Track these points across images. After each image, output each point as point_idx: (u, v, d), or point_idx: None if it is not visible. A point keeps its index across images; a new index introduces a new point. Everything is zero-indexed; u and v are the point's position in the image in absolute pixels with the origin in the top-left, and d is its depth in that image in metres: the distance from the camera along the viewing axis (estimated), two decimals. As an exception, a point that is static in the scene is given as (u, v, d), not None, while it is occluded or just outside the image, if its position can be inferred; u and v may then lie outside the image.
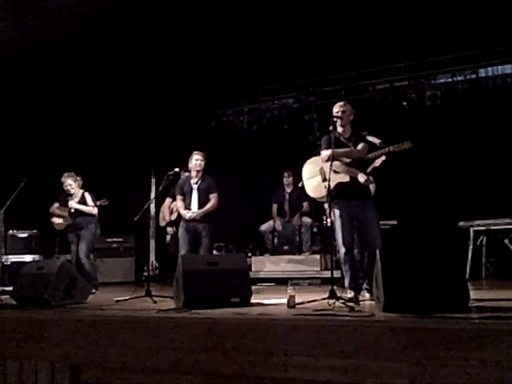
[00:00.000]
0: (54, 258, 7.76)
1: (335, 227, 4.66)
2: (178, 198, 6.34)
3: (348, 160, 4.70)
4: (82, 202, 6.82)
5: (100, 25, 7.28)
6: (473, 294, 3.64)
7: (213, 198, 6.23)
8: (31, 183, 6.68)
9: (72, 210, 6.81)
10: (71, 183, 6.87)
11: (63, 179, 6.88)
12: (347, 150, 4.70)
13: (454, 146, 7.93)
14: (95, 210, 6.84)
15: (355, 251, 4.77)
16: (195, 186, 6.26)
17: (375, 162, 4.64)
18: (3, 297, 5.71)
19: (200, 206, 6.17)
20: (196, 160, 6.24)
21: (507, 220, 6.50)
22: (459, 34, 7.46)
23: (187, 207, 6.20)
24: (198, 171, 6.27)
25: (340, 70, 8.73)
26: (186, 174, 6.59)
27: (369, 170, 4.93)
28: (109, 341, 3.81)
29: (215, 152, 9.60)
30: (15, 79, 8.50)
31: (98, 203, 6.92)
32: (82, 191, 6.93)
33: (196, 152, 6.31)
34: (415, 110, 8.37)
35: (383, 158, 4.61)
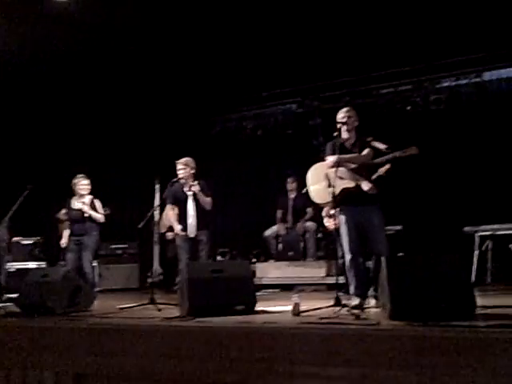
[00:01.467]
0: (58, 265, 7.74)
1: (341, 233, 4.64)
2: (169, 207, 6.09)
3: (353, 166, 4.68)
4: (92, 207, 6.65)
5: (102, 31, 7.26)
6: (479, 301, 3.61)
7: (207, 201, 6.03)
8: (36, 190, 6.64)
9: (86, 215, 6.56)
10: (86, 183, 6.69)
11: (77, 180, 6.68)
12: (352, 155, 4.68)
13: (458, 150, 7.87)
14: (103, 219, 6.67)
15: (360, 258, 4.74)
16: (189, 193, 5.99)
17: (379, 171, 4.58)
18: (8, 304, 5.72)
19: (197, 211, 5.99)
20: (178, 170, 5.98)
21: (513, 225, 6.45)
22: (463, 37, 7.42)
23: (183, 215, 6.00)
24: (185, 178, 5.97)
25: (344, 74, 8.70)
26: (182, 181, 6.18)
27: (373, 177, 4.89)
28: (113, 349, 3.80)
29: (219, 157, 9.64)
30: (18, 87, 8.47)
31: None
32: (91, 197, 6.74)
33: (177, 161, 6.03)
34: (419, 114, 8.31)
35: (388, 166, 4.56)
